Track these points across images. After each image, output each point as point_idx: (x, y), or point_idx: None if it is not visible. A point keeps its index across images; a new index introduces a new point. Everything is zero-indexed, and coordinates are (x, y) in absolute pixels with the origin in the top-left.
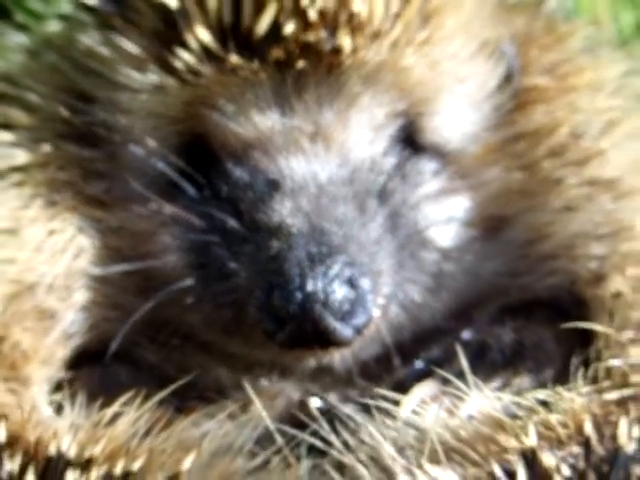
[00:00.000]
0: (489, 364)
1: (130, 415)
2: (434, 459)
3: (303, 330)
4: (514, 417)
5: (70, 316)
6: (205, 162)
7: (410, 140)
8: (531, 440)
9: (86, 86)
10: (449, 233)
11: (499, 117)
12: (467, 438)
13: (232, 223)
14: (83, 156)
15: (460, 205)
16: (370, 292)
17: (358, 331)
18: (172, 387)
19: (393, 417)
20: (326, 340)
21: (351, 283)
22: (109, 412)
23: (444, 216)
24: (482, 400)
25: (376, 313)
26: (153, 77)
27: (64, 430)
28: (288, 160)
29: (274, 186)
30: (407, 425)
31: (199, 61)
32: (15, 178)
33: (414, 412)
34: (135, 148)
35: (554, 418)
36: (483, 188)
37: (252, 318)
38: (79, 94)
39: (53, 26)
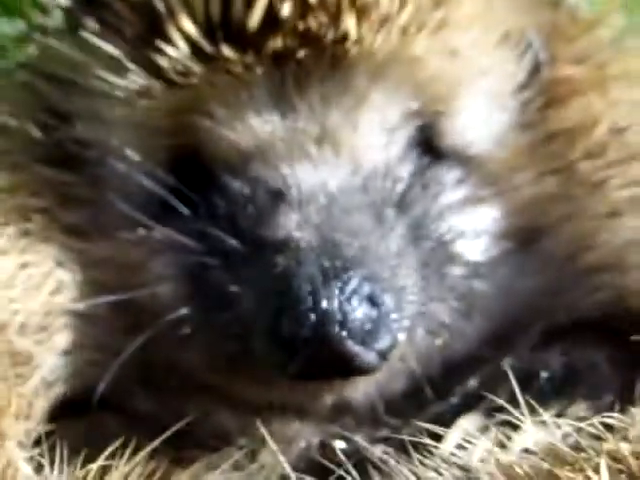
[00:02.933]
0: (537, 394)
1: (120, 470)
2: None
3: (319, 358)
4: (577, 448)
5: (50, 361)
6: (199, 177)
7: (428, 144)
8: (602, 476)
9: (61, 100)
10: (478, 246)
11: (528, 115)
12: (524, 476)
13: (232, 242)
14: (60, 180)
15: (488, 215)
16: (394, 310)
17: (383, 356)
18: (167, 434)
19: (433, 455)
20: (346, 368)
21: (372, 300)
22: (95, 467)
23: (471, 228)
24: (538, 430)
25: (402, 336)
26: (134, 80)
27: None
28: (292, 168)
29: (278, 198)
30: (451, 464)
31: (186, 59)
32: None
33: (458, 448)
34: (118, 166)
35: (625, 448)
36: (514, 196)
37: (258, 350)
38: (54, 111)
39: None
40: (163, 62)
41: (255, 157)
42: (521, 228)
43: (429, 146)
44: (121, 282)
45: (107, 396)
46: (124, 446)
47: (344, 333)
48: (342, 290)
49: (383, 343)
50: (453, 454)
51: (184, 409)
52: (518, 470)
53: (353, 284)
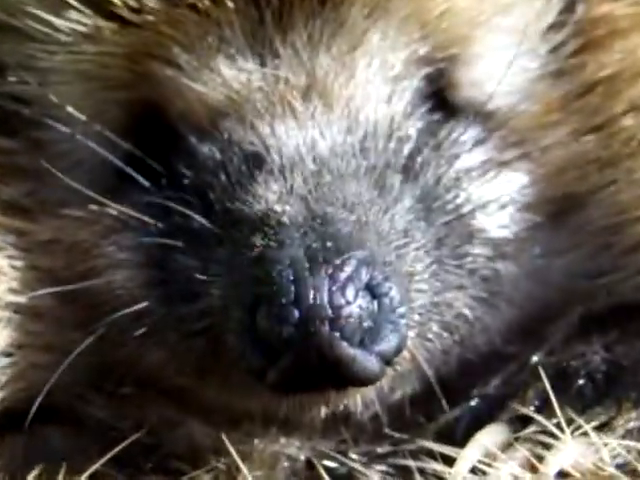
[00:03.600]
0: (575, 397)
1: None
2: None
3: (305, 363)
4: (631, 472)
5: None
6: (160, 140)
7: (441, 97)
8: None
9: None
10: (502, 220)
11: (560, 61)
12: None
13: (200, 220)
14: None
15: (514, 182)
16: (400, 303)
17: (387, 361)
18: (118, 448)
19: None
20: (340, 376)
21: (372, 290)
22: None
23: (493, 197)
24: (578, 448)
25: (411, 334)
26: (78, 21)
27: None
28: (273, 127)
29: (256, 162)
30: None
31: None
32: None
33: (477, 472)
34: (62, 128)
35: None
36: (544, 159)
37: (231, 351)
38: None
39: None
40: None
41: (228, 114)
42: (553, 198)
43: (441, 99)
44: (69, 269)
45: (54, 404)
46: (68, 465)
47: (336, 333)
48: (334, 278)
49: (387, 344)
50: None
51: (145, 418)
52: None
53: (348, 270)
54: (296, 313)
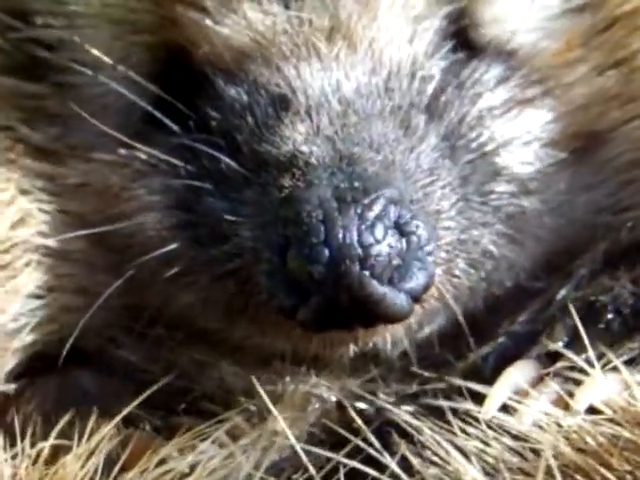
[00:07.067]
0: (603, 331)
1: (77, 451)
2: None
3: (335, 303)
4: None
5: (14, 308)
6: (187, 84)
7: (463, 36)
8: None
9: None
10: (527, 157)
11: None
12: (595, 447)
13: (228, 161)
14: (23, 92)
15: (538, 119)
16: (428, 240)
17: (415, 299)
18: (149, 391)
19: (475, 420)
20: (370, 315)
21: (400, 229)
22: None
23: (517, 135)
24: (609, 384)
25: (438, 271)
26: None
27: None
28: (299, 68)
29: (282, 104)
30: (499, 432)
31: None
32: None
33: (507, 409)
34: (91, 74)
35: None
36: (567, 95)
37: (262, 290)
38: (10, 7)
39: None
40: None
41: (254, 56)
42: (576, 134)
43: (464, 38)
44: (99, 213)
45: (86, 347)
46: (100, 408)
47: (366, 272)
48: (362, 217)
49: (415, 282)
50: (501, 418)
51: (176, 361)
52: (590, 441)
53: (376, 209)
54: (326, 252)
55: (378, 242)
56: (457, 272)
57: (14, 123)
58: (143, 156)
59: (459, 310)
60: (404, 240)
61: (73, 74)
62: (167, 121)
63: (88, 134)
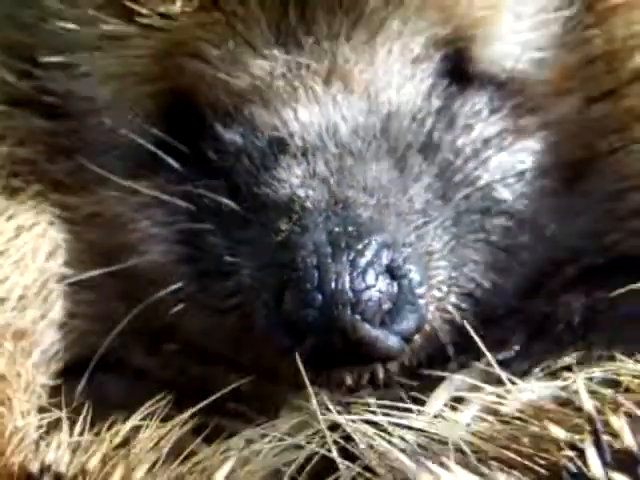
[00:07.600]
0: (553, 340)
1: (150, 432)
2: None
3: (329, 345)
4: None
5: (49, 335)
6: (189, 127)
7: (457, 71)
8: None
9: (32, 46)
10: (519, 189)
11: (572, 34)
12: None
13: (227, 202)
14: (41, 128)
15: (530, 150)
16: (420, 283)
17: (407, 340)
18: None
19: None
20: (363, 356)
21: (392, 273)
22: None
23: (511, 166)
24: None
25: (431, 308)
26: (107, 28)
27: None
28: (296, 111)
29: (279, 147)
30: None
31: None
32: None
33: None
34: (100, 118)
35: None
36: (558, 125)
37: (261, 329)
38: (27, 57)
39: None
40: (139, 7)
41: (252, 99)
42: (567, 164)
43: (458, 72)
44: (109, 240)
45: (105, 360)
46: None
47: (358, 316)
48: (355, 263)
49: (407, 324)
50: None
51: (191, 372)
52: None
53: (369, 254)
54: (319, 298)
55: (369, 288)
56: (449, 307)
57: (37, 157)
58: (146, 192)
59: (449, 339)
60: (395, 284)
61: (81, 119)
62: (169, 160)
63: (97, 170)
